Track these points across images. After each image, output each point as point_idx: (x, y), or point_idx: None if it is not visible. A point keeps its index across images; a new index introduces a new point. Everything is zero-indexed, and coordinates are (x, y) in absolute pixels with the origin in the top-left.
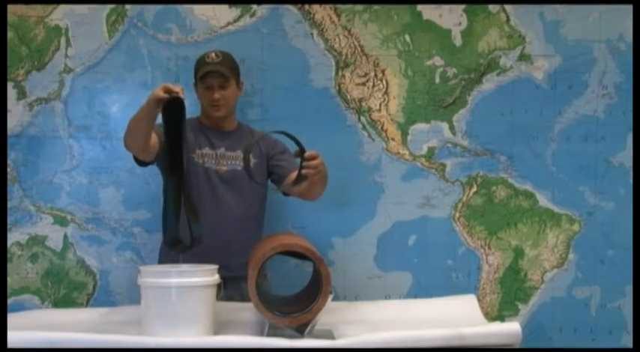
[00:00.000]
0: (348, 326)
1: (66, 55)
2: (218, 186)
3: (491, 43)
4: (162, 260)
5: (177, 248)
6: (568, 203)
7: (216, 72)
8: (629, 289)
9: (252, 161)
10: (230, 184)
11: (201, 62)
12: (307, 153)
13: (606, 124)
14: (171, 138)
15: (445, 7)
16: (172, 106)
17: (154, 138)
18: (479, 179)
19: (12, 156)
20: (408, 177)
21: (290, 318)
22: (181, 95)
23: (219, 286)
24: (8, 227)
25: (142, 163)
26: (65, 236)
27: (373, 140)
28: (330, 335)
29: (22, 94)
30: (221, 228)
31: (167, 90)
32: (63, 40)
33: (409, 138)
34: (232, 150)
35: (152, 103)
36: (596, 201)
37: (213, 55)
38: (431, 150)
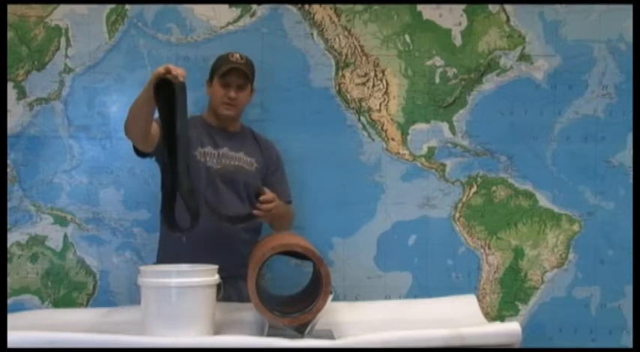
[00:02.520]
0: (348, 326)
1: (66, 55)
2: (219, 185)
3: (491, 43)
4: (160, 260)
5: (175, 229)
6: (568, 203)
7: (240, 70)
8: (629, 289)
9: (255, 166)
10: (231, 184)
11: (224, 60)
12: (263, 197)
13: (606, 124)
14: (165, 120)
15: (445, 7)
16: (165, 88)
17: (155, 128)
18: (479, 179)
19: (12, 156)
20: (408, 177)
21: (290, 318)
22: (180, 78)
23: (219, 286)
24: (8, 227)
25: (141, 154)
26: (65, 236)
27: (373, 140)
28: (330, 335)
29: (22, 94)
30: (220, 227)
31: (167, 71)
32: (63, 40)
33: (409, 138)
34: (235, 151)
35: (152, 83)
36: (596, 201)
37: (238, 56)
38: (431, 150)
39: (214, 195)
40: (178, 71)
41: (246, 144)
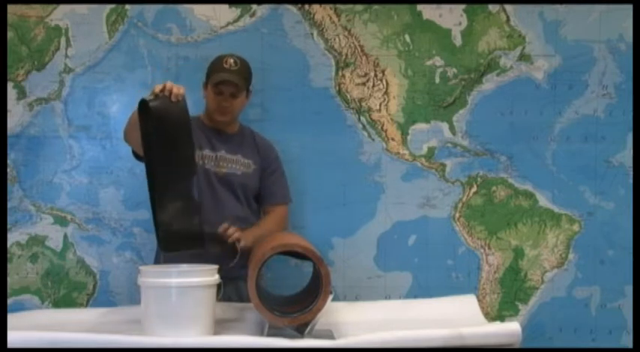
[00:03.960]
0: (348, 326)
1: (66, 55)
2: (217, 187)
3: (491, 43)
4: (159, 260)
5: (169, 248)
6: (568, 203)
7: (231, 81)
8: (629, 289)
9: (253, 167)
10: (229, 186)
11: (217, 66)
12: (219, 232)
13: (606, 124)
14: (144, 142)
15: (445, 7)
16: (146, 107)
17: None
18: (479, 179)
19: (12, 156)
20: (408, 177)
21: (290, 318)
22: (173, 98)
23: (219, 286)
24: (8, 227)
25: (139, 158)
26: (65, 236)
27: (373, 140)
28: (330, 335)
29: (22, 94)
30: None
31: (161, 90)
32: (63, 40)
33: (409, 138)
34: (232, 154)
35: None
36: (596, 201)
37: (232, 61)
38: (431, 150)
39: (213, 197)
40: (173, 90)
41: (243, 146)
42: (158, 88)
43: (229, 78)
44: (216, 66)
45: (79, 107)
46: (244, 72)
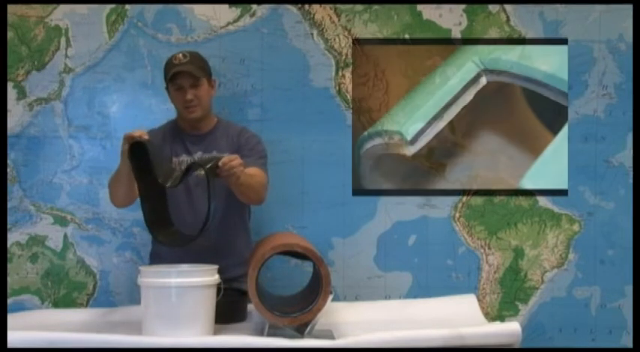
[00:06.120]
0: (348, 326)
1: (66, 55)
2: (195, 191)
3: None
4: (154, 261)
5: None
6: (568, 203)
7: (186, 72)
8: (629, 289)
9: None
10: (206, 188)
11: (169, 64)
12: (222, 161)
13: (606, 124)
14: (144, 179)
15: (445, 7)
16: (137, 150)
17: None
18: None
19: (12, 156)
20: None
21: (290, 318)
22: (144, 136)
23: (219, 286)
24: (8, 227)
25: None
26: (65, 236)
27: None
28: (330, 335)
29: (22, 94)
30: (215, 229)
31: (130, 138)
32: (63, 40)
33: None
34: (208, 154)
35: (125, 156)
36: (596, 201)
37: (181, 55)
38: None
39: (190, 202)
40: (140, 132)
41: (218, 142)
42: (128, 140)
43: (181, 68)
44: (168, 66)
45: (79, 107)
46: (196, 61)
